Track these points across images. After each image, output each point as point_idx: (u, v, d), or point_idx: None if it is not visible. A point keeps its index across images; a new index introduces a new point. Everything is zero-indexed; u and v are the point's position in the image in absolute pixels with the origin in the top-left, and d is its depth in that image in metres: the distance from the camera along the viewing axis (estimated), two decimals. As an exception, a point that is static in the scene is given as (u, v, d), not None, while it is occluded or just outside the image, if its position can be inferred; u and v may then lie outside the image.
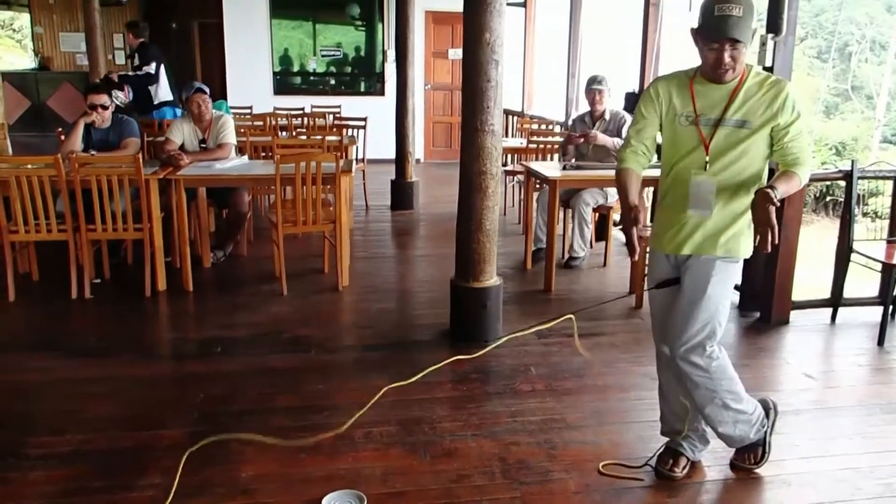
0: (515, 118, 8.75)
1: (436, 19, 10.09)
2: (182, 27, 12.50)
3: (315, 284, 4.67)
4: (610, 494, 2.44)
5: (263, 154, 5.89)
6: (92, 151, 4.55)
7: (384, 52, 10.16)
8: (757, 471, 2.55)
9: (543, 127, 7.33)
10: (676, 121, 2.31)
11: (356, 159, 6.81)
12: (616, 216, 5.37)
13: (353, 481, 2.43)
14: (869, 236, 4.14)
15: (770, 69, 3.72)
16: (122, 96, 6.54)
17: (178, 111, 6.92)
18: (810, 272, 5.24)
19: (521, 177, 6.36)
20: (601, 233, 5.41)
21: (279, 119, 7.34)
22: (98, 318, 4.12)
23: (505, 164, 7.10)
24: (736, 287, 4.27)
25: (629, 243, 2.25)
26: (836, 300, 4.16)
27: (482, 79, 3.45)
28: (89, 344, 3.71)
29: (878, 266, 3.99)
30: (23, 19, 15.06)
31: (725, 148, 2.25)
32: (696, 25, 2.19)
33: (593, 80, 5.04)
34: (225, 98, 8.86)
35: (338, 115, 8.00)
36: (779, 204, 2.07)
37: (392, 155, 7.12)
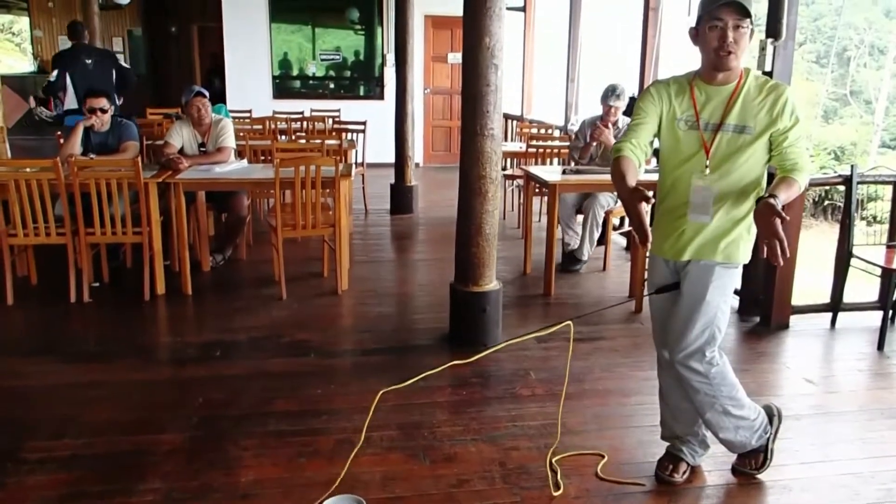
0: (515, 122, 8.76)
1: (435, 23, 10.11)
2: (181, 31, 12.52)
3: (314, 288, 4.66)
4: (610, 499, 2.43)
5: (263, 158, 5.89)
6: (91, 155, 4.55)
7: (384, 56, 10.17)
8: (758, 476, 2.55)
9: (543, 131, 7.33)
10: (676, 124, 2.30)
11: (355, 163, 6.81)
12: (615, 220, 5.37)
13: (353, 486, 2.41)
14: (867, 241, 4.15)
15: (770, 74, 3.73)
16: (46, 111, 6.34)
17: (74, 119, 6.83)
18: (810, 277, 5.24)
19: (520, 181, 6.37)
20: (601, 237, 5.41)
21: (278, 123, 7.33)
22: (97, 322, 4.11)
23: (504, 169, 7.11)
24: (736, 292, 4.26)
25: (640, 227, 2.08)
26: (835, 305, 4.16)
27: (482, 83, 3.45)
28: (88, 348, 3.71)
29: (878, 271, 3.99)
30: (22, 23, 15.10)
31: (727, 154, 2.24)
32: (694, 25, 2.20)
33: (611, 93, 4.94)
34: (224, 102, 8.86)
35: (337, 119, 7.99)
36: (787, 217, 2.01)
37: (391, 159, 7.12)
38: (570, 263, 5.12)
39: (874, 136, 16.95)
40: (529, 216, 5.38)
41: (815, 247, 7.12)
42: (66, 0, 11.30)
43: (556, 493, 2.43)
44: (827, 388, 3.39)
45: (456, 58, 10.05)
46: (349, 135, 7.12)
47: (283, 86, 10.17)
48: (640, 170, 2.32)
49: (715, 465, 2.62)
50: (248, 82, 9.77)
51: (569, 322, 2.36)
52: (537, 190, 5.44)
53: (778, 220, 1.98)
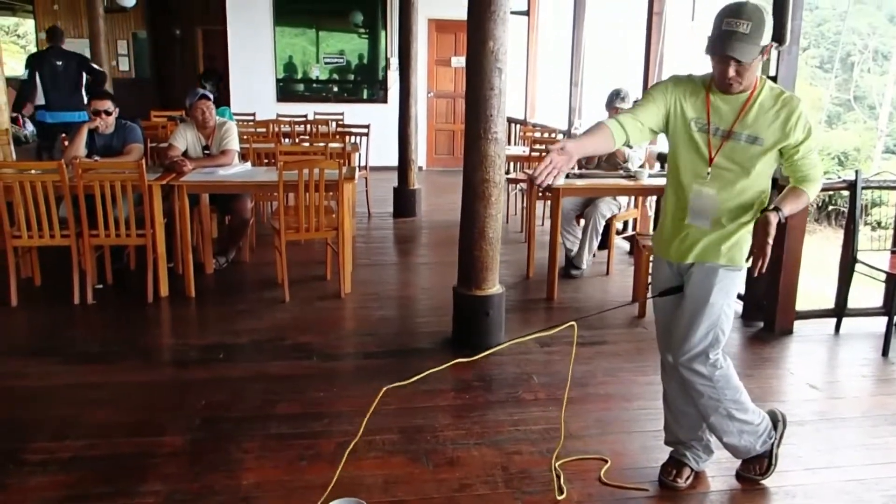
0: (518, 126, 8.76)
1: (439, 27, 10.12)
2: (186, 34, 12.55)
3: (317, 291, 4.66)
4: (613, 504, 2.42)
5: (266, 161, 5.89)
6: (95, 157, 4.55)
7: (387, 60, 10.18)
8: (762, 482, 2.53)
9: (546, 135, 7.33)
10: (685, 126, 2.27)
11: (359, 166, 6.81)
12: (619, 225, 5.37)
13: (355, 489, 2.41)
14: (871, 246, 4.13)
15: (774, 79, 3.72)
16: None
17: (47, 114, 7.17)
18: (814, 282, 5.23)
19: (523, 185, 6.36)
20: (604, 241, 5.40)
21: (282, 126, 7.34)
22: (100, 324, 4.11)
23: (508, 172, 7.10)
24: (740, 297, 4.25)
25: (542, 167, 1.95)
26: (840, 310, 4.14)
27: (485, 87, 3.45)
28: (91, 349, 3.71)
29: (882, 276, 3.98)
30: (27, 25, 15.15)
31: (735, 162, 2.23)
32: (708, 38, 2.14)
33: (616, 96, 4.93)
34: (228, 105, 8.88)
35: (341, 123, 8.01)
36: (774, 232, 2.11)
37: (395, 162, 7.12)
38: (569, 269, 5.11)
39: (878, 142, 16.92)
40: (532, 220, 5.37)
41: (819, 252, 7.12)
42: (72, 2, 11.34)
43: (559, 498, 2.43)
44: (831, 394, 3.38)
45: (459, 61, 10.05)
46: (352, 138, 7.13)
47: (287, 89, 10.18)
48: (615, 143, 2.21)
49: (719, 470, 2.61)
50: (252, 85, 9.79)
51: (572, 323, 2.34)
52: (540, 194, 5.43)
53: (769, 239, 2.09)
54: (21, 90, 7.46)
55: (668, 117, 2.29)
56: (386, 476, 2.53)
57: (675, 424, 2.55)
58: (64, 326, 4.04)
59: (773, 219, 2.13)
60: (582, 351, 3.69)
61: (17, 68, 16.31)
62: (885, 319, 3.91)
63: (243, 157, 5.39)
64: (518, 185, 6.93)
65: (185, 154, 4.84)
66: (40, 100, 7.21)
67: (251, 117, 7.91)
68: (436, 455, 2.69)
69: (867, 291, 4.43)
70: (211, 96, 4.97)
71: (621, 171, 4.81)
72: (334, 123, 7.85)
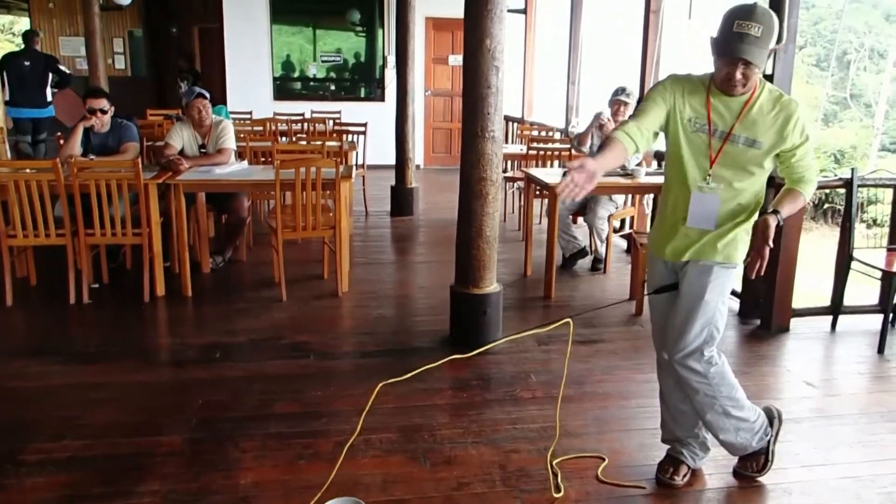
0: (515, 125, 8.76)
1: (436, 25, 10.12)
2: (182, 32, 12.51)
3: (314, 290, 4.66)
4: (610, 502, 2.43)
5: (263, 159, 5.88)
6: (91, 156, 4.54)
7: (384, 58, 10.18)
8: (758, 479, 2.54)
9: (544, 134, 7.33)
10: (685, 126, 2.27)
11: (356, 165, 6.80)
12: (616, 223, 5.37)
13: (353, 488, 2.41)
14: (867, 244, 4.14)
15: (770, 77, 3.73)
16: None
17: (11, 110, 7.87)
18: (810, 280, 5.24)
19: (521, 183, 6.36)
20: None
21: (279, 124, 7.33)
22: (96, 324, 4.10)
23: (505, 171, 7.11)
24: (736, 294, 4.27)
25: (564, 183, 1.91)
26: (836, 308, 4.16)
27: (483, 85, 3.45)
28: (87, 349, 3.70)
29: (878, 274, 3.99)
30: (22, 23, 15.10)
31: (734, 164, 2.24)
32: (715, 34, 2.12)
33: (621, 91, 5.04)
34: (224, 103, 8.86)
35: (338, 121, 7.99)
36: (773, 235, 2.15)
37: (392, 161, 7.12)
38: (577, 257, 5.19)
39: (874, 140, 16.97)
40: (530, 218, 5.38)
41: (815, 250, 7.13)
42: (67, 1, 11.29)
43: (556, 496, 2.43)
44: (827, 392, 3.39)
45: (457, 60, 10.05)
46: (350, 136, 7.12)
47: (284, 87, 10.17)
48: (634, 154, 2.29)
49: (716, 468, 2.62)
50: (249, 84, 9.78)
51: (568, 319, 2.35)
52: (538, 192, 5.44)
53: (768, 242, 2.13)
54: None
55: (669, 117, 2.30)
56: (384, 475, 2.54)
57: (671, 422, 2.56)
58: (60, 326, 4.03)
59: (772, 222, 2.17)
60: (579, 349, 3.70)
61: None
62: (881, 317, 3.92)
63: (240, 155, 5.38)
64: (515, 184, 6.93)
65: (181, 153, 4.83)
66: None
67: (248, 116, 7.89)
68: (434, 454, 2.69)
69: (863, 289, 4.45)
70: (207, 95, 4.95)
71: (618, 170, 4.82)
72: (331, 122, 7.83)
